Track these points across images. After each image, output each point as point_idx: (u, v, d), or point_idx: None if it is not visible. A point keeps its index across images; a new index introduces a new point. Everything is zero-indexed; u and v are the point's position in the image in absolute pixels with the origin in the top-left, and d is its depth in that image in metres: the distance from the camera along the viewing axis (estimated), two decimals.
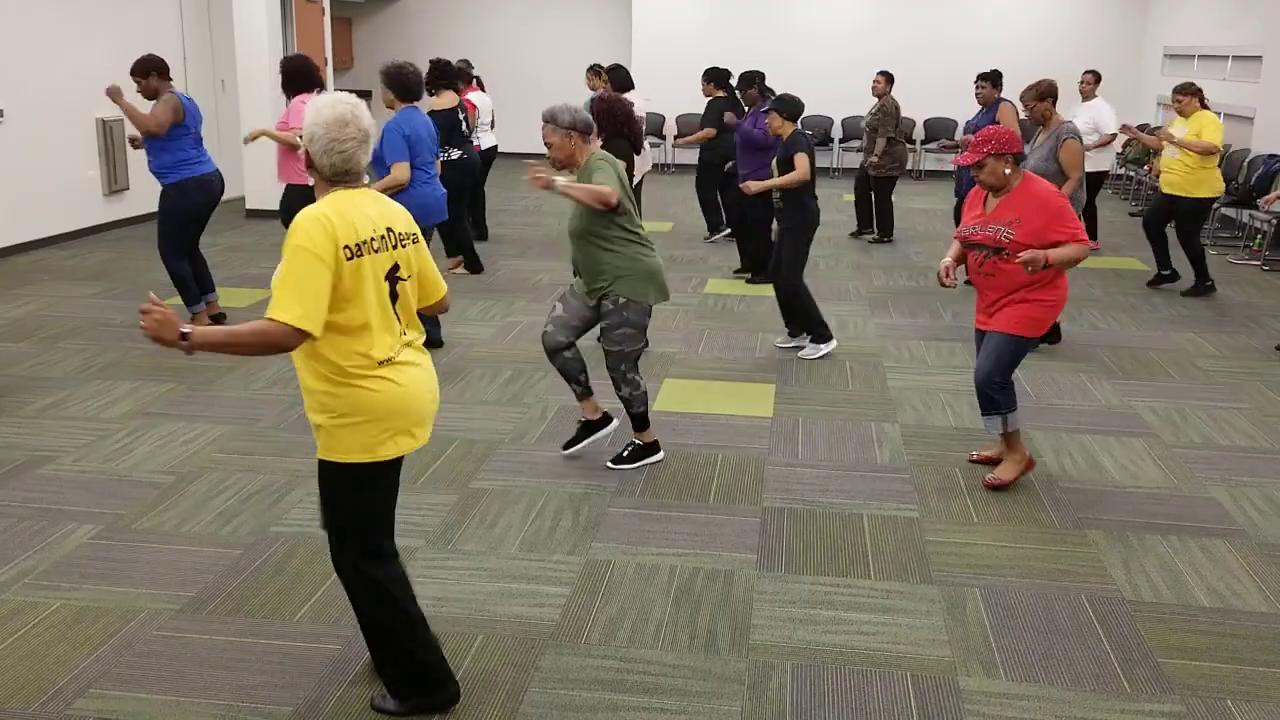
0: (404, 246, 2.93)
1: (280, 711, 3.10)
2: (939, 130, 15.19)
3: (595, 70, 9.93)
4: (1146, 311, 8.04)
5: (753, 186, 6.69)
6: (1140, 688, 3.31)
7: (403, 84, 6.14)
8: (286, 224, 7.80)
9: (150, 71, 6.79)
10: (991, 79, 8.98)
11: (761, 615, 3.68)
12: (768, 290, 8.47)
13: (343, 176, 2.83)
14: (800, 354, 6.75)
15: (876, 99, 10.41)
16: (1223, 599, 3.86)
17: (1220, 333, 7.42)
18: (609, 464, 4.91)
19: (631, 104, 6.26)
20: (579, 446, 5.00)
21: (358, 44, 17.11)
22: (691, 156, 16.03)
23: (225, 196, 8.59)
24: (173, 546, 4.09)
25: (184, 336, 2.59)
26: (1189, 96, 8.17)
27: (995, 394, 4.64)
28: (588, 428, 4.98)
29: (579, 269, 4.74)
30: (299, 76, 7.52)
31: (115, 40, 10.37)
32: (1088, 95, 10.05)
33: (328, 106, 2.80)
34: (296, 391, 5.85)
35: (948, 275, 4.67)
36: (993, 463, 4.98)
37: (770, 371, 6.41)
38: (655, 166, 16.06)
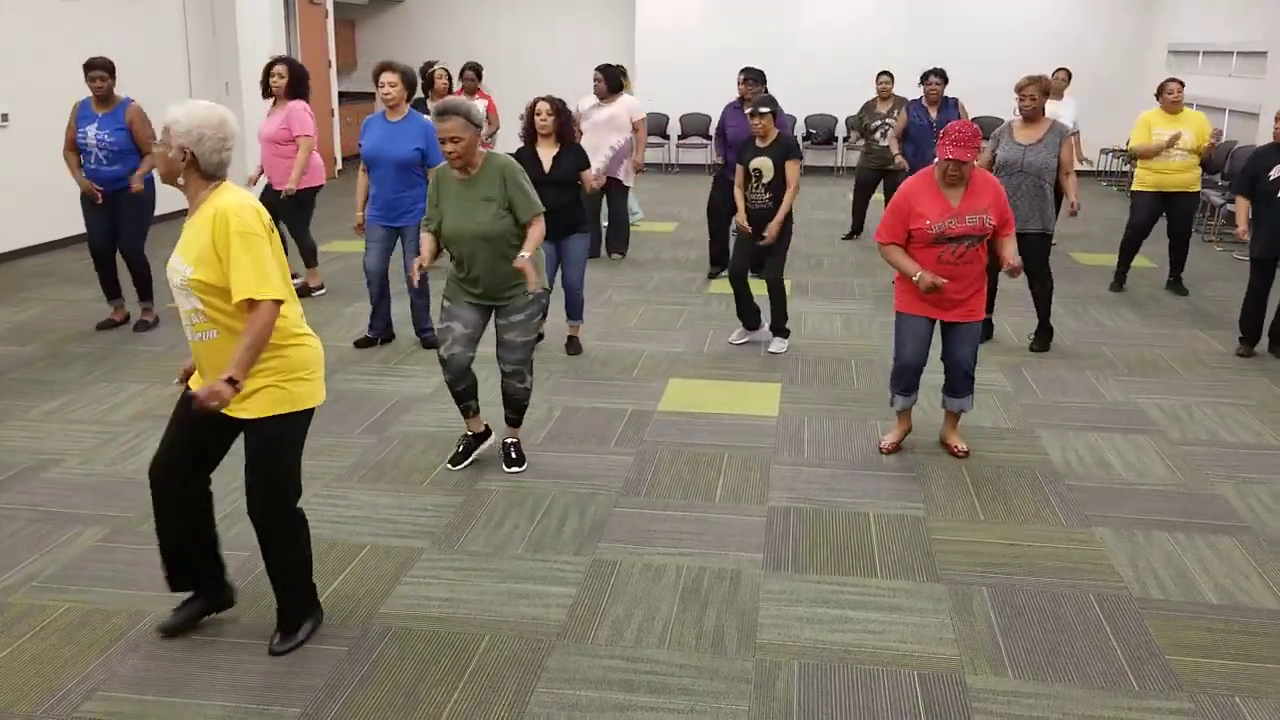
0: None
1: (287, 713, 3.10)
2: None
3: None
4: (1152, 308, 8.02)
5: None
6: (1148, 685, 3.30)
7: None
8: (293, 230, 7.83)
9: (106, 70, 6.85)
10: (945, 76, 9.11)
11: (768, 614, 3.68)
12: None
13: (220, 171, 3.07)
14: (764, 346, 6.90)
15: (890, 98, 10.11)
16: (1230, 596, 3.85)
17: (1226, 329, 7.39)
18: (506, 469, 4.85)
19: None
20: (469, 460, 4.94)
21: (360, 46, 17.13)
22: (695, 156, 16.04)
23: None
24: None
25: (232, 382, 2.94)
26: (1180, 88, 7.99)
27: (974, 372, 4.99)
28: (478, 439, 4.97)
29: (478, 278, 4.58)
30: (302, 83, 7.81)
31: (118, 43, 10.38)
32: (1058, 94, 9.93)
33: (208, 110, 3.01)
34: None
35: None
36: (898, 448, 5.16)
37: (775, 370, 6.41)
38: (663, 167, 16.04)
